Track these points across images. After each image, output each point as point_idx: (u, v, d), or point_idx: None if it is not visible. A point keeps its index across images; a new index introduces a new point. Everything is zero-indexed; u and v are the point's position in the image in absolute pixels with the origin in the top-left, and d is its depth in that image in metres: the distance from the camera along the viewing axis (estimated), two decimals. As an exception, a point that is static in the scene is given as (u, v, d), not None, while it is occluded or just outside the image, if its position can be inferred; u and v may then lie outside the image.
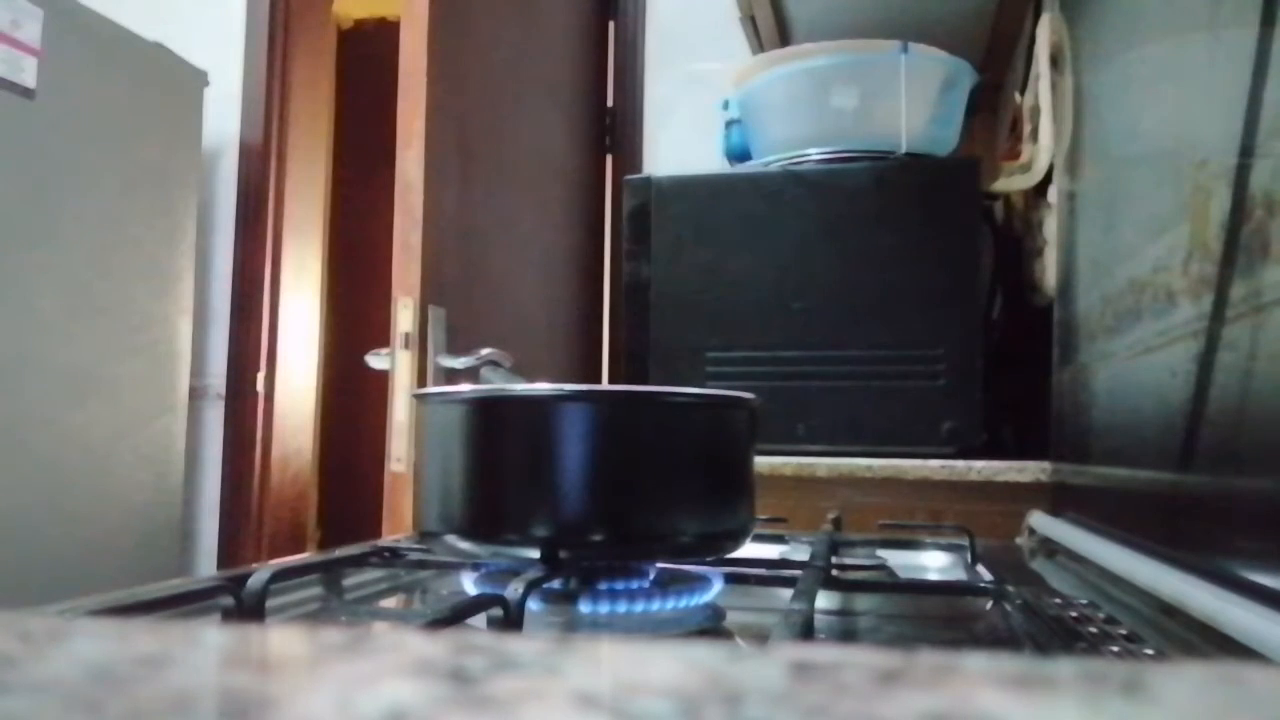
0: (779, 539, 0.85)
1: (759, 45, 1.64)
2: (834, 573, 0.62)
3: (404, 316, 1.24)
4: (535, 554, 0.54)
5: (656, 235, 1.41)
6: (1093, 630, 0.49)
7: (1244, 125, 0.51)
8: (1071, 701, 0.16)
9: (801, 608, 0.45)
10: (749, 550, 0.63)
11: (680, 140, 2.14)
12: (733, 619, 0.58)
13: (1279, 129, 0.47)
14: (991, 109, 1.78)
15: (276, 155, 2.42)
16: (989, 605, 0.61)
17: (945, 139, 1.46)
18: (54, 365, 1.81)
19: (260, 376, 2.37)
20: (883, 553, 0.80)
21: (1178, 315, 0.61)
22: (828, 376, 1.33)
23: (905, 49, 1.37)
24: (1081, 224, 0.98)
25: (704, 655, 0.18)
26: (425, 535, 0.59)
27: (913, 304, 1.31)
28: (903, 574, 0.70)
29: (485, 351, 1.22)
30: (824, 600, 0.61)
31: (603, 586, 0.56)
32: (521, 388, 0.59)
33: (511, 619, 0.46)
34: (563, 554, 0.53)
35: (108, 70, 1.93)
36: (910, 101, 1.35)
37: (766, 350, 1.35)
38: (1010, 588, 0.59)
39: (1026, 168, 1.26)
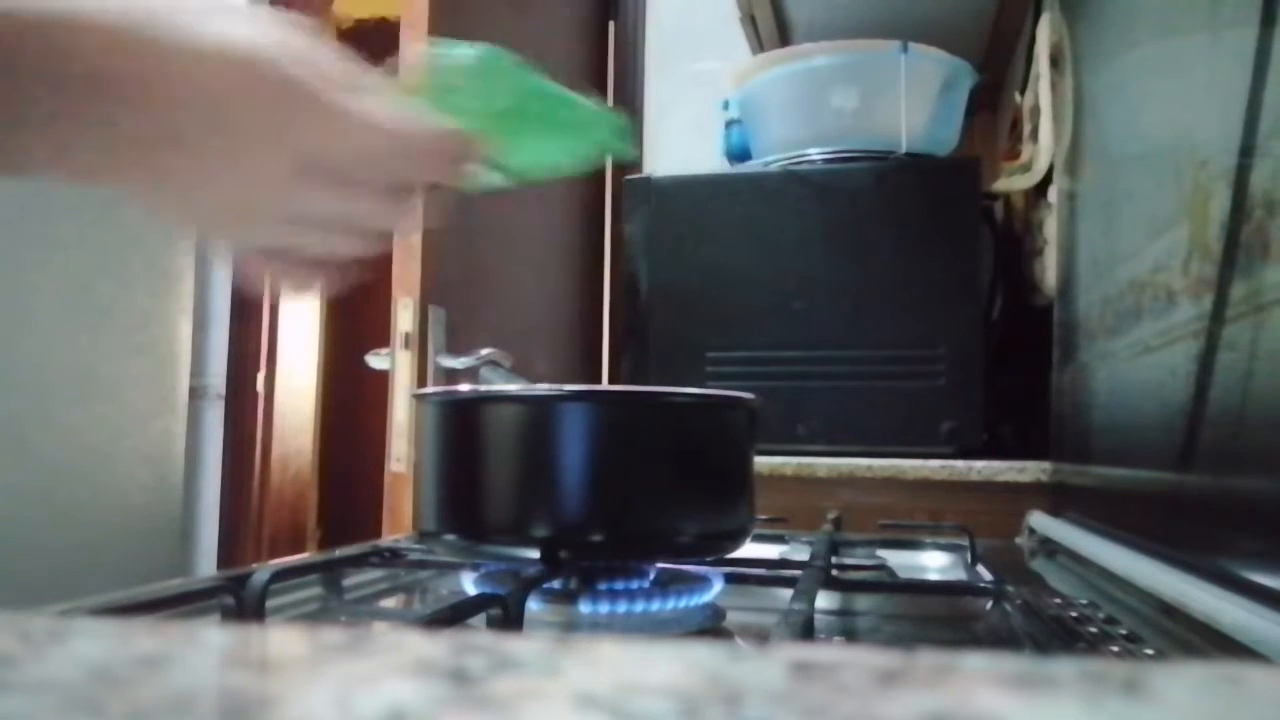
0: (779, 539, 0.85)
1: (759, 45, 1.64)
2: (834, 573, 0.62)
3: (404, 316, 1.24)
4: (535, 554, 0.54)
5: (656, 235, 1.41)
6: (1093, 630, 0.49)
7: (1244, 125, 0.51)
8: (1071, 701, 0.16)
9: (801, 608, 0.45)
10: (749, 550, 0.63)
11: (680, 140, 2.14)
12: (733, 619, 0.58)
13: (1279, 129, 0.47)
14: (991, 109, 1.78)
15: (276, 155, 2.41)
16: (989, 605, 0.61)
17: (945, 139, 1.46)
18: (54, 365, 1.81)
19: (260, 376, 2.37)
20: (883, 553, 0.80)
21: (1178, 315, 0.61)
22: (828, 376, 1.33)
23: (905, 49, 1.37)
24: (1081, 224, 0.98)
25: (704, 655, 0.18)
26: (425, 535, 0.59)
27: (913, 304, 1.31)
28: (903, 574, 0.70)
29: (485, 351, 1.22)
30: (824, 600, 0.61)
31: (603, 586, 0.56)
32: (521, 388, 0.59)
33: (511, 619, 0.46)
34: (563, 554, 0.53)
35: (108, 70, 1.93)
36: (910, 101, 1.35)
37: (766, 350, 1.35)
38: (1010, 588, 0.59)
39: (1026, 168, 1.26)
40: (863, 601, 0.65)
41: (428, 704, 0.15)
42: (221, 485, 2.37)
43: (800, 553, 0.78)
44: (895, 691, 0.16)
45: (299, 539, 2.54)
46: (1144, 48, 0.74)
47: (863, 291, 1.33)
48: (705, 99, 2.01)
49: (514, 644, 0.19)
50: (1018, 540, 1.00)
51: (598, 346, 2.10)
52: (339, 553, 0.68)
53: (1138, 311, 0.71)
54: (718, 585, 0.59)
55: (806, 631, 0.43)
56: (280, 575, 0.54)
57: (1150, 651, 0.45)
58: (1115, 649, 0.46)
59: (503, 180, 0.53)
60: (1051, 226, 1.17)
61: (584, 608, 0.54)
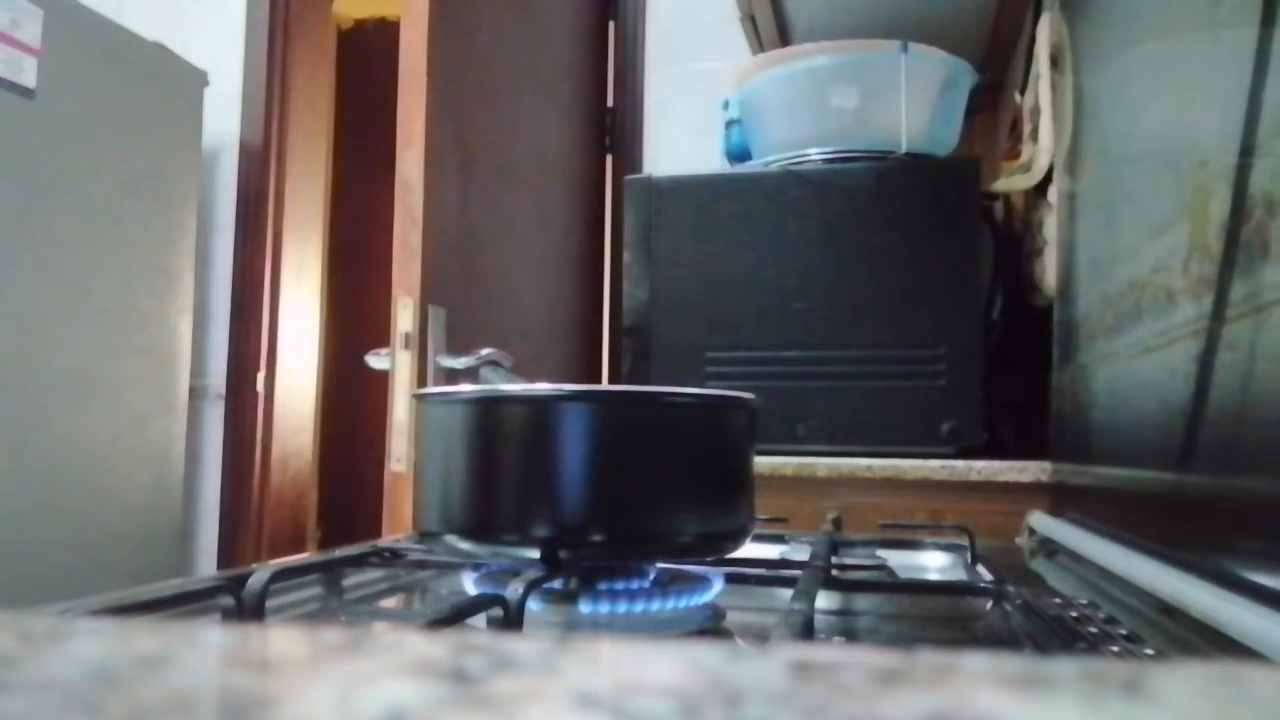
0: (779, 539, 0.85)
1: (759, 45, 1.64)
2: (834, 573, 0.62)
3: (404, 316, 1.24)
4: (535, 554, 0.54)
5: (656, 235, 1.41)
6: (1093, 630, 0.49)
7: (1244, 125, 0.51)
8: (1071, 701, 0.16)
9: (801, 608, 0.45)
10: (749, 550, 0.63)
11: (680, 140, 2.15)
12: (733, 619, 0.58)
13: (1279, 129, 0.47)
14: (991, 109, 1.78)
15: (276, 155, 2.42)
16: (989, 605, 0.61)
17: (945, 139, 1.46)
18: (54, 365, 1.81)
19: (260, 376, 2.37)
20: (883, 553, 0.80)
21: (1178, 315, 0.61)
22: (828, 376, 1.33)
23: (905, 49, 1.37)
24: (1081, 224, 0.98)
25: (704, 655, 0.18)
26: (425, 535, 0.59)
27: (913, 304, 1.31)
28: (903, 574, 0.70)
29: (485, 351, 1.22)
30: (824, 600, 0.61)
31: (603, 586, 0.56)
32: (521, 388, 0.59)
33: (511, 619, 0.46)
34: (563, 554, 0.53)
35: (108, 70, 1.93)
36: (910, 101, 1.35)
37: (766, 350, 1.35)
38: (1010, 588, 0.59)
39: (1026, 168, 1.26)
40: (863, 601, 0.65)
41: (428, 704, 0.15)
42: (221, 485, 2.37)
43: (800, 553, 0.78)
44: (895, 691, 0.16)
45: (299, 539, 2.54)
46: (1144, 48, 0.74)
47: (863, 291, 1.33)
48: (705, 99, 2.01)
49: (514, 644, 0.19)
50: (1018, 540, 1.00)
51: (598, 346, 2.10)
52: (339, 553, 0.68)
53: (1138, 311, 0.71)
54: (718, 585, 0.59)
55: (806, 631, 0.43)
56: (280, 575, 0.54)
57: (1150, 651, 0.45)
58: (1115, 649, 0.46)
59: None
60: (1051, 226, 1.17)
61: (584, 608, 0.54)
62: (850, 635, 0.57)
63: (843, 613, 0.63)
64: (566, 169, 1.94)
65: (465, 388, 0.63)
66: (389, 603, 0.70)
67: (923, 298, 1.31)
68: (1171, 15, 0.68)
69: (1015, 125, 1.43)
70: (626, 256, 1.43)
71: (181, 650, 0.19)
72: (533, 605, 0.51)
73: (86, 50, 1.88)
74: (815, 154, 1.41)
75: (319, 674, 0.17)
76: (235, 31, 2.42)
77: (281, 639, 0.22)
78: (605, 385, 1.89)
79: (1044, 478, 1.16)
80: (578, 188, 2.00)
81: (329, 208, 3.16)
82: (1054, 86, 1.16)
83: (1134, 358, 0.73)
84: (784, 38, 1.65)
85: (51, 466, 1.81)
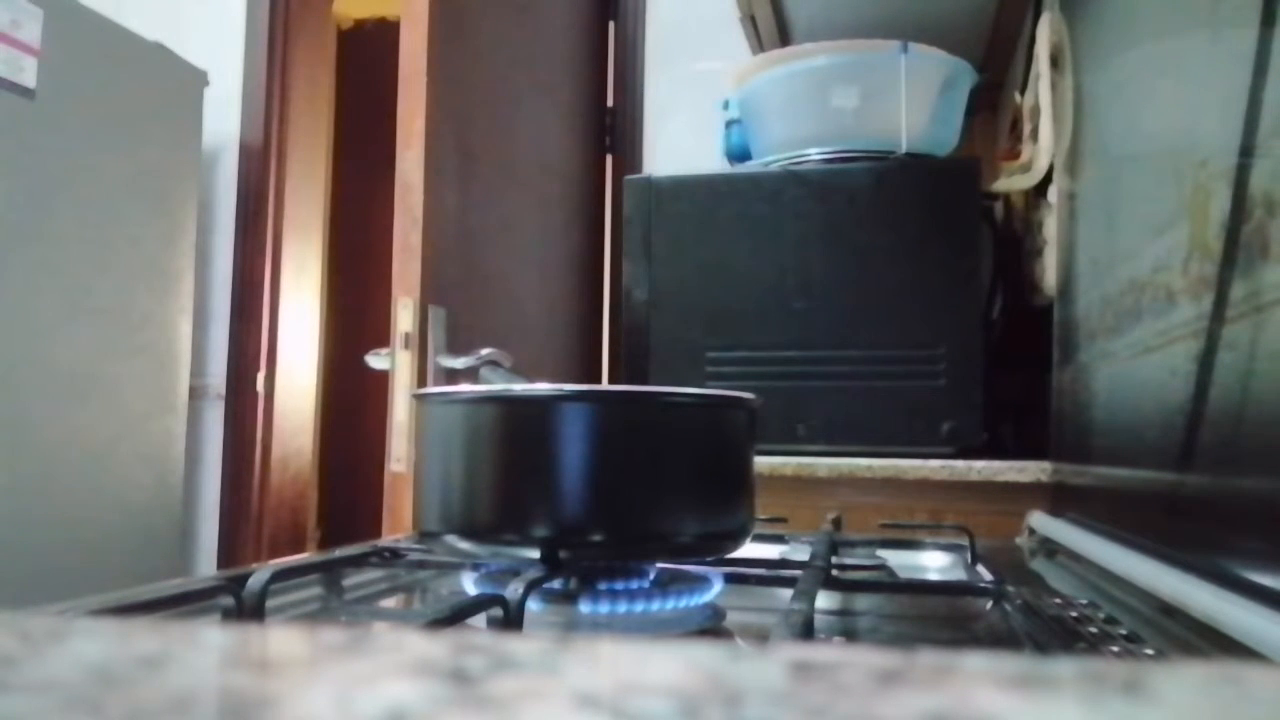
0: (779, 539, 0.85)
1: (759, 45, 1.64)
2: (834, 573, 0.62)
3: (404, 316, 1.24)
4: (535, 554, 0.54)
5: (656, 235, 1.41)
6: (1093, 630, 0.49)
7: (1244, 125, 0.51)
8: (1071, 701, 0.16)
9: (801, 608, 0.45)
10: (749, 550, 0.63)
11: (680, 140, 2.15)
12: (733, 619, 0.58)
13: (1279, 129, 0.47)
14: (991, 109, 1.78)
15: (276, 155, 2.42)
16: (989, 605, 0.61)
17: (945, 139, 1.46)
18: (54, 365, 1.81)
19: (260, 376, 2.37)
20: (883, 553, 0.80)
21: (1178, 315, 0.61)
22: (828, 376, 1.33)
23: (905, 49, 1.37)
24: (1081, 224, 0.98)
25: (704, 655, 0.18)
26: (425, 535, 0.59)
27: (913, 304, 1.31)
28: (903, 574, 0.70)
29: (485, 351, 1.22)
30: (824, 600, 0.61)
31: (603, 586, 0.56)
32: (521, 388, 0.59)
33: (511, 619, 0.46)
34: (563, 554, 0.53)
35: (108, 70, 1.93)
36: (910, 101, 1.35)
37: (766, 350, 1.35)
38: (1010, 588, 0.59)
39: (1026, 168, 1.26)
40: (863, 601, 0.65)
41: (428, 704, 0.15)
42: (221, 485, 2.37)
43: (800, 553, 0.78)
44: (895, 691, 0.16)
45: (299, 539, 2.54)
46: (1144, 48, 0.74)
47: (863, 291, 1.33)
48: (705, 99, 2.01)
49: (514, 644, 0.19)
50: (1018, 540, 1.00)
51: (598, 346, 2.10)
52: (339, 553, 0.68)
53: (1138, 311, 0.71)
54: (718, 585, 0.59)
55: (806, 631, 0.43)
56: (280, 575, 0.54)
57: (1150, 651, 0.45)
58: (1115, 649, 0.46)
59: None
60: (1051, 226, 1.17)
61: (584, 608, 0.54)
62: (850, 635, 0.57)
63: (843, 613, 0.63)
64: (566, 169, 1.94)
65: (465, 388, 0.63)
66: (389, 603, 0.70)
67: (922, 298, 1.31)
68: (1171, 15, 0.68)
69: (1015, 125, 1.43)
70: (626, 257, 1.43)
71: (181, 650, 0.19)
72: (533, 605, 0.51)
73: (86, 50, 1.88)
74: (815, 154, 1.41)
75: (319, 674, 0.17)
76: (235, 31, 2.42)
77: (281, 639, 0.22)
78: (605, 385, 1.89)
79: (1044, 478, 1.16)
80: (578, 188, 2.00)
81: (329, 208, 3.16)
82: (1054, 86, 1.16)
83: (1134, 358, 0.73)
84: (784, 38, 1.65)
85: (51, 466, 1.81)
